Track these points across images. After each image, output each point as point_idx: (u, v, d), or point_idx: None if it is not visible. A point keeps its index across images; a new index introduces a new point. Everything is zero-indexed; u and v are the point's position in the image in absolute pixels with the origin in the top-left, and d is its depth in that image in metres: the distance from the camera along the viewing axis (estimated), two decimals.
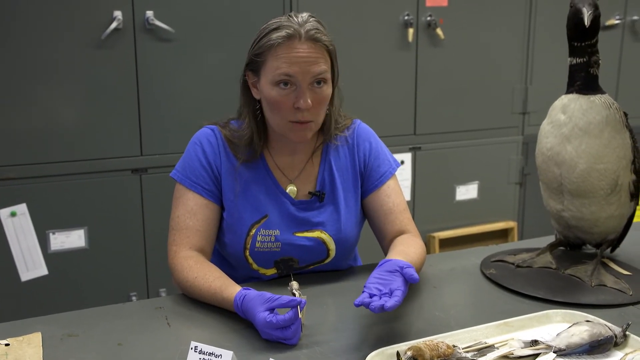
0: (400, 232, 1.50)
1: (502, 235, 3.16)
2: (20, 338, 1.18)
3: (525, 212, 3.22)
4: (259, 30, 1.39)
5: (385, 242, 1.51)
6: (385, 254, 1.52)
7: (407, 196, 2.92)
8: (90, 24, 2.28)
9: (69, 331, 1.22)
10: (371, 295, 1.16)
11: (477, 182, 3.07)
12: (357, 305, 1.14)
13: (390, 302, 1.12)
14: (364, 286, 1.19)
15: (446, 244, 3.01)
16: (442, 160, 2.98)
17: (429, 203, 2.98)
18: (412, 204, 2.94)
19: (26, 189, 2.28)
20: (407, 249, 1.39)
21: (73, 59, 2.28)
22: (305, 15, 1.38)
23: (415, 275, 1.19)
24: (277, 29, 1.34)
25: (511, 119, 3.09)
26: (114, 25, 2.28)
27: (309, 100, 1.34)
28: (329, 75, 1.38)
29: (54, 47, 2.25)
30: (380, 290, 1.17)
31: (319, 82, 1.36)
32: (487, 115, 3.04)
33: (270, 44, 1.34)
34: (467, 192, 3.06)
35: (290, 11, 2.52)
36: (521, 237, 3.21)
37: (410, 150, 2.90)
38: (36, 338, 1.18)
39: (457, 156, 3.01)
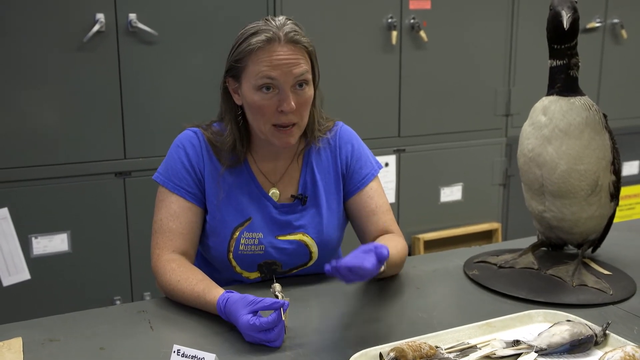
0: (383, 233, 1.50)
1: (487, 236, 3.18)
2: (1, 343, 1.17)
3: (509, 213, 3.24)
4: (237, 35, 1.39)
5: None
6: None
7: (392, 198, 2.93)
8: (72, 27, 2.27)
9: (51, 336, 1.21)
10: None
11: (461, 183, 3.09)
12: (328, 271, 1.13)
13: (351, 262, 1.11)
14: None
15: (431, 245, 3.02)
16: (427, 162, 2.99)
17: (413, 205, 2.99)
18: (397, 206, 2.95)
19: (8, 192, 2.26)
20: (387, 243, 1.38)
21: (55, 61, 2.27)
22: (282, 18, 1.38)
23: (385, 251, 1.17)
24: (255, 33, 1.34)
25: (494, 121, 3.11)
26: (96, 28, 2.27)
27: (293, 103, 1.34)
28: (310, 77, 1.38)
29: (36, 50, 2.24)
30: None
31: (300, 85, 1.36)
32: (471, 118, 3.06)
33: (250, 49, 1.34)
34: (451, 193, 3.08)
35: (274, 14, 2.52)
36: (505, 238, 3.23)
37: (394, 152, 2.91)
38: (17, 343, 1.17)
39: (441, 158, 3.02)
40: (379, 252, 1.17)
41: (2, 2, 2.17)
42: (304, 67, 1.35)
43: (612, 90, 3.31)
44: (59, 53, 2.27)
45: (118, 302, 2.44)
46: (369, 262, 1.13)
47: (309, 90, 1.38)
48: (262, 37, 1.33)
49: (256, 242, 1.44)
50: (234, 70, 1.39)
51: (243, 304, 1.18)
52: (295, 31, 1.36)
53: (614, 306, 1.35)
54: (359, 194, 1.51)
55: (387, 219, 1.51)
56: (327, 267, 1.13)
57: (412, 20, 2.80)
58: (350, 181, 1.52)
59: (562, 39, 1.42)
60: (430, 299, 1.40)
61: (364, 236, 1.53)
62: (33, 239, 2.32)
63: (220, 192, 1.44)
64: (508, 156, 3.15)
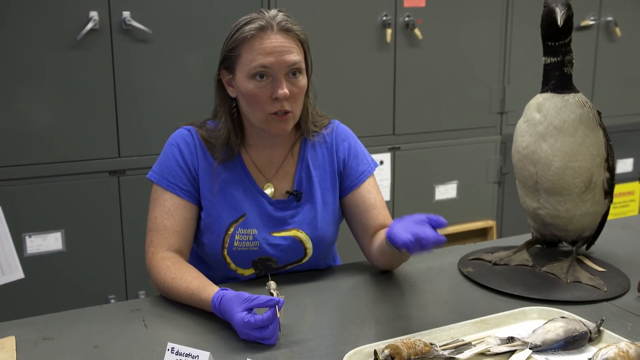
0: (384, 227, 1.49)
1: (482, 234, 3.19)
2: None
3: (504, 211, 3.24)
4: (231, 27, 1.40)
5: (367, 237, 1.50)
6: (365, 250, 1.52)
7: (387, 196, 2.93)
8: (65, 25, 2.26)
9: (44, 335, 1.21)
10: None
11: (456, 181, 3.09)
12: (404, 243, 1.15)
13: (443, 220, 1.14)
14: (392, 236, 1.20)
15: None
16: (421, 160, 2.99)
17: (408, 203, 2.99)
18: (392, 204, 2.95)
19: (1, 191, 2.25)
20: None
21: (49, 60, 2.26)
22: (274, 10, 1.40)
23: (441, 218, 1.19)
24: (248, 22, 1.37)
25: (489, 119, 3.12)
26: (90, 25, 2.26)
27: (286, 90, 1.34)
28: (303, 66, 1.39)
29: (29, 48, 2.22)
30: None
31: (294, 73, 1.37)
32: (466, 115, 3.06)
33: (244, 37, 1.35)
34: (446, 191, 3.08)
35: None
36: (500, 235, 3.23)
37: (389, 150, 2.91)
38: (9, 342, 1.16)
39: (436, 156, 3.02)
40: (434, 219, 1.20)
41: None
42: (296, 56, 1.36)
43: (606, 87, 3.32)
44: (53, 51, 2.26)
45: (112, 301, 2.44)
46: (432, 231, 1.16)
47: (302, 79, 1.39)
48: (255, 25, 1.35)
49: (251, 238, 1.43)
50: (228, 61, 1.39)
51: (238, 302, 1.18)
52: (287, 20, 1.38)
53: (608, 303, 1.35)
54: (358, 189, 1.51)
55: (386, 213, 1.52)
56: (400, 242, 1.15)
57: (406, 18, 2.80)
58: (348, 178, 1.52)
59: (556, 36, 1.43)
60: (424, 296, 1.40)
61: (363, 229, 1.51)
62: (27, 237, 2.31)
63: (214, 186, 1.44)
64: (503, 154, 3.15)
